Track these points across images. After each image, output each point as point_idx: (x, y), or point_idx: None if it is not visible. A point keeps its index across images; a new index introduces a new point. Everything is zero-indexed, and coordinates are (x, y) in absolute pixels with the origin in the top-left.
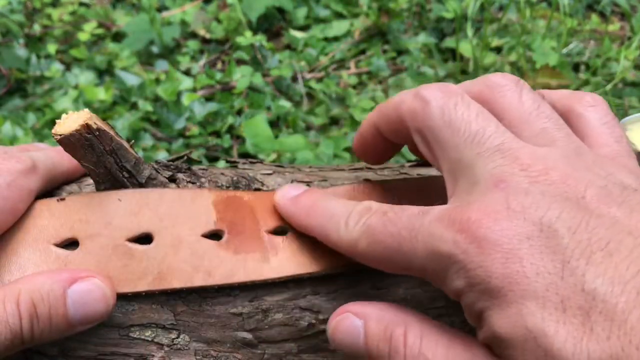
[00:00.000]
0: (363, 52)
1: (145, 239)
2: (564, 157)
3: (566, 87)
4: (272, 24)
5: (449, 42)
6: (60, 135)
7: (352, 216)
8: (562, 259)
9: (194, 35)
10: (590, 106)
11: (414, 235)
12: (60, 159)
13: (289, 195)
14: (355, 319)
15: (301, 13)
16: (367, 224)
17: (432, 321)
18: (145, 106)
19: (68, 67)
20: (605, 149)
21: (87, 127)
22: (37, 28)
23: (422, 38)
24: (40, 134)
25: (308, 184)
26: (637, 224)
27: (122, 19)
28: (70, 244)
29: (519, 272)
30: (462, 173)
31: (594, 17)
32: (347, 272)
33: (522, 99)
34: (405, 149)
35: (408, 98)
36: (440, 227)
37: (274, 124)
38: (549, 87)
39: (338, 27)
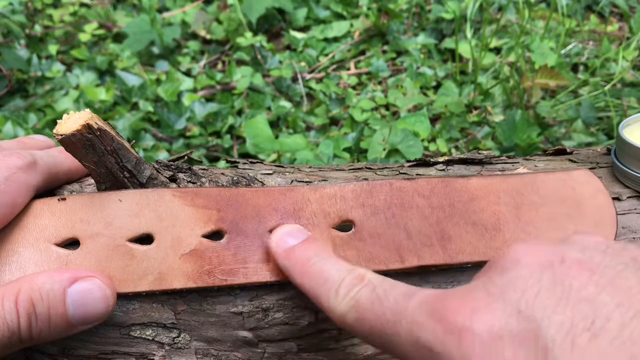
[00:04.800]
0: (363, 52)
1: (146, 239)
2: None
3: (565, 87)
4: (272, 25)
5: (448, 43)
6: (61, 135)
7: (343, 284)
8: (544, 346)
9: (194, 36)
10: None
11: (397, 319)
12: (62, 158)
13: (285, 244)
14: None
15: (301, 14)
16: (356, 298)
17: None
18: (146, 106)
19: (69, 67)
20: None
21: (88, 127)
22: (38, 29)
23: (422, 39)
24: (42, 135)
25: (308, 183)
26: (626, 293)
27: (122, 20)
28: (71, 243)
29: None
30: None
31: (593, 18)
32: None
33: None
34: (404, 148)
35: None
36: (423, 314)
37: (274, 124)
38: (547, 88)
39: (338, 28)
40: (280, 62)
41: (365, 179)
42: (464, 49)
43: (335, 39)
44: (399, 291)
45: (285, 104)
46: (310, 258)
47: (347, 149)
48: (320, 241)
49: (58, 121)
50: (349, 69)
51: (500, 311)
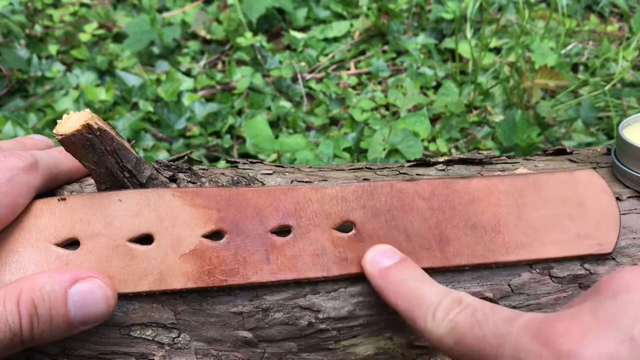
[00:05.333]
0: (363, 52)
1: (146, 239)
2: None
3: (565, 87)
4: (272, 25)
5: (448, 43)
6: (61, 135)
7: (440, 307)
8: None
9: (194, 36)
10: None
11: (500, 343)
12: (62, 158)
13: (380, 265)
14: None
15: (301, 14)
16: (455, 321)
17: None
18: (146, 106)
19: (69, 67)
20: None
21: (88, 127)
22: (38, 29)
23: (422, 39)
24: (42, 135)
25: (308, 183)
26: None
27: (122, 20)
28: (71, 243)
29: None
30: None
31: (593, 18)
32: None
33: None
34: (404, 148)
35: None
36: (527, 337)
37: (274, 124)
38: (547, 88)
39: (338, 28)
40: (280, 62)
41: (366, 179)
42: (464, 49)
43: (335, 39)
44: (500, 315)
45: (285, 104)
46: (406, 279)
47: (347, 149)
48: (414, 263)
49: (58, 121)
50: (349, 69)
51: (612, 338)
